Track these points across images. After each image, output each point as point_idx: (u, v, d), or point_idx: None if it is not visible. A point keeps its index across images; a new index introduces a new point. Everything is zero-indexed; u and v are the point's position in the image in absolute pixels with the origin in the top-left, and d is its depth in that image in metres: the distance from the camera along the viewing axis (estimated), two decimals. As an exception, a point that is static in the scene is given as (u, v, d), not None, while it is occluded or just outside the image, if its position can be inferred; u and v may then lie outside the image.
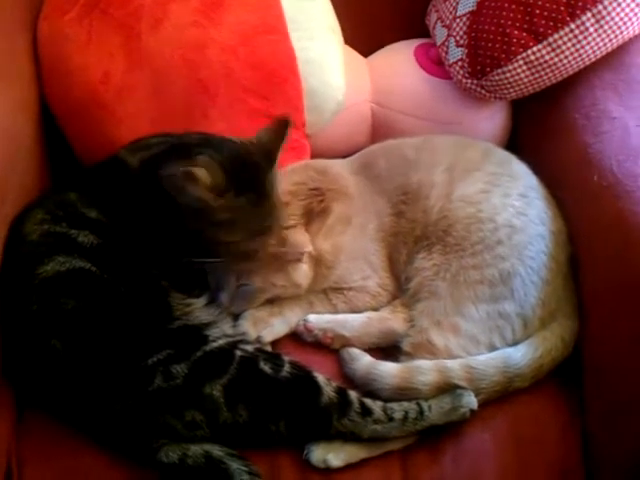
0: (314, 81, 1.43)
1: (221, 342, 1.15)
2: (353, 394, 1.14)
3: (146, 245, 1.19)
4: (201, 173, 1.11)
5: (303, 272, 1.26)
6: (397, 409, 1.14)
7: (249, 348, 1.15)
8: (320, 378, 1.13)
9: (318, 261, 1.27)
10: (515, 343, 1.22)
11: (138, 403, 1.09)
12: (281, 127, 1.23)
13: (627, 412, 1.12)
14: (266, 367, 1.12)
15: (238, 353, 1.13)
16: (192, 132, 1.28)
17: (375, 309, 1.30)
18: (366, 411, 1.12)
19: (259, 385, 1.11)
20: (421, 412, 1.14)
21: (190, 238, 1.16)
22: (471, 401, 1.15)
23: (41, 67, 1.40)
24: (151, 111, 1.37)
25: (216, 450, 1.10)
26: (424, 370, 1.18)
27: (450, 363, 1.18)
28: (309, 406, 1.11)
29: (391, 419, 1.13)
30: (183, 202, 1.14)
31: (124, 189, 1.21)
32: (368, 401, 1.14)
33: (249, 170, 1.19)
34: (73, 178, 1.31)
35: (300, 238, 1.25)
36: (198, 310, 1.22)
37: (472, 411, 1.15)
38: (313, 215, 1.29)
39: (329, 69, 1.45)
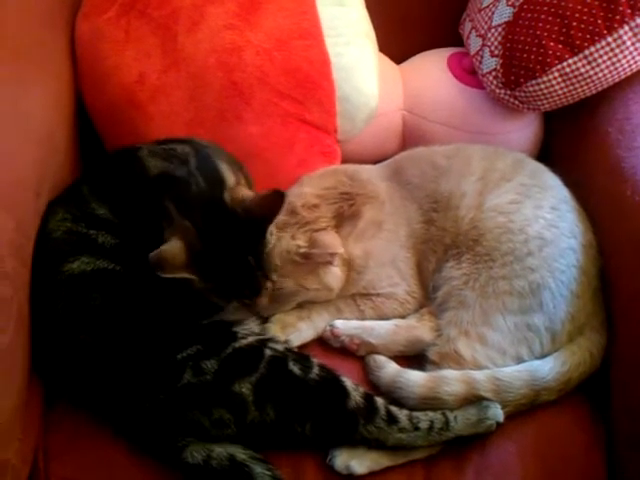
0: (348, 87, 1.42)
1: (250, 339, 1.15)
2: (380, 401, 1.14)
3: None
4: (170, 255, 1.10)
5: (335, 275, 1.26)
6: (423, 418, 1.14)
7: (279, 347, 1.16)
8: (348, 383, 1.14)
9: (349, 266, 1.28)
10: (542, 356, 1.22)
11: (167, 398, 1.10)
12: (277, 200, 1.14)
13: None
14: (295, 368, 1.12)
15: (268, 352, 1.13)
16: (203, 160, 1.23)
17: (402, 316, 1.30)
18: (392, 419, 1.13)
19: (288, 385, 1.11)
20: (447, 423, 1.14)
21: None
22: (497, 413, 1.15)
23: (78, 66, 1.41)
24: (185, 113, 1.38)
25: (240, 453, 1.11)
26: (450, 381, 1.17)
27: (477, 374, 1.18)
28: (336, 410, 1.11)
29: (417, 428, 1.13)
30: None
31: (138, 192, 1.21)
32: (394, 409, 1.14)
33: (225, 246, 1.14)
34: (88, 169, 1.33)
35: (330, 240, 1.25)
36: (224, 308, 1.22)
37: (498, 424, 1.15)
38: (343, 218, 1.29)
39: (363, 76, 1.45)
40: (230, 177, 1.21)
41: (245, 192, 1.19)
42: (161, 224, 1.16)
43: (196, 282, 1.13)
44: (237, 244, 1.14)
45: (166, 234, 1.14)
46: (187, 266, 1.11)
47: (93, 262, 1.15)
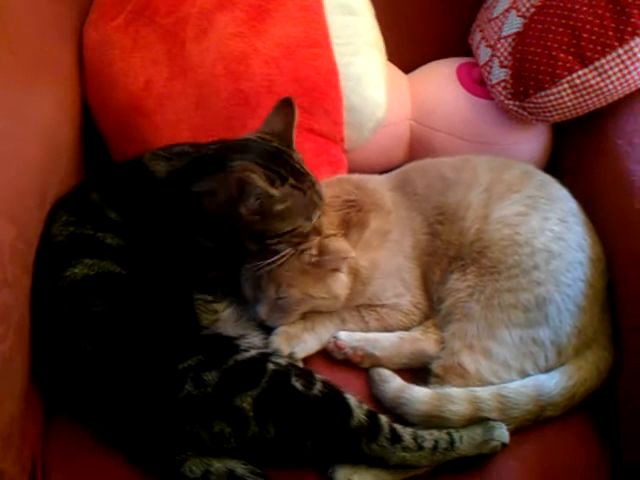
0: (355, 97, 1.42)
1: (253, 353, 1.14)
2: (384, 419, 1.12)
3: (169, 250, 1.20)
4: (254, 174, 1.12)
5: (342, 283, 1.25)
6: (428, 438, 1.12)
7: (282, 362, 1.14)
8: (352, 400, 1.12)
9: (355, 275, 1.27)
10: (548, 370, 1.20)
11: (167, 409, 1.09)
12: (287, 109, 1.25)
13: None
14: (298, 383, 1.11)
15: (270, 366, 1.12)
16: (208, 143, 1.27)
17: (407, 328, 1.28)
18: (396, 438, 1.11)
19: (290, 401, 1.10)
20: (452, 443, 1.12)
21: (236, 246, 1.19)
22: (503, 435, 1.14)
23: (85, 72, 1.42)
24: (191, 120, 1.38)
25: (240, 468, 1.09)
26: (455, 399, 1.16)
27: (481, 392, 1.16)
28: (338, 427, 1.10)
29: (421, 447, 1.11)
30: (231, 213, 1.15)
31: (147, 195, 1.22)
32: (399, 427, 1.12)
33: (278, 159, 1.20)
34: (94, 177, 1.32)
35: (341, 245, 1.24)
36: (225, 321, 1.22)
37: (503, 445, 1.14)
38: (350, 226, 1.29)
39: (371, 86, 1.44)
40: None
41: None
42: (171, 228, 1.18)
43: (277, 202, 1.15)
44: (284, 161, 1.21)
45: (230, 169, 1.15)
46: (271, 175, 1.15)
47: (97, 264, 1.14)
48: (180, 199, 1.19)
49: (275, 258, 1.18)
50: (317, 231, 1.23)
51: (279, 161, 1.19)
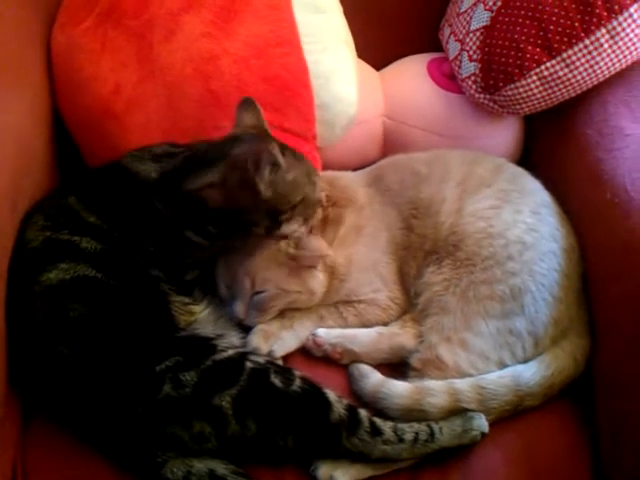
0: (326, 95, 1.42)
1: (230, 352, 1.14)
2: (363, 413, 1.13)
3: (149, 252, 1.19)
4: (267, 144, 1.16)
5: (318, 279, 1.26)
6: (408, 430, 1.13)
7: (260, 360, 1.14)
8: (331, 395, 1.12)
9: (331, 272, 1.27)
10: (525, 361, 1.21)
11: (146, 411, 1.08)
12: (252, 106, 1.29)
13: (639, 432, 1.10)
14: (277, 380, 1.11)
15: (248, 364, 1.12)
16: (195, 142, 1.28)
17: (385, 323, 1.29)
18: (376, 431, 1.11)
19: (269, 398, 1.10)
20: (432, 434, 1.13)
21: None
22: (482, 424, 1.14)
23: (54, 76, 1.40)
24: (162, 122, 1.37)
25: (221, 468, 1.09)
26: (434, 392, 1.16)
27: (460, 384, 1.17)
28: (318, 422, 1.10)
29: (401, 440, 1.12)
30: (243, 198, 1.17)
31: (127, 195, 1.21)
32: (378, 421, 1.13)
33: (265, 138, 1.24)
34: (71, 182, 1.31)
35: (318, 243, 1.25)
36: (203, 322, 1.22)
37: (483, 434, 1.14)
38: (327, 222, 1.29)
39: (341, 83, 1.44)
40: None
41: None
42: (156, 228, 1.19)
43: (287, 171, 1.19)
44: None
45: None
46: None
47: (73, 268, 1.13)
48: (176, 198, 1.19)
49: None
50: (320, 202, 1.27)
51: (272, 140, 1.22)
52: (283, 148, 1.21)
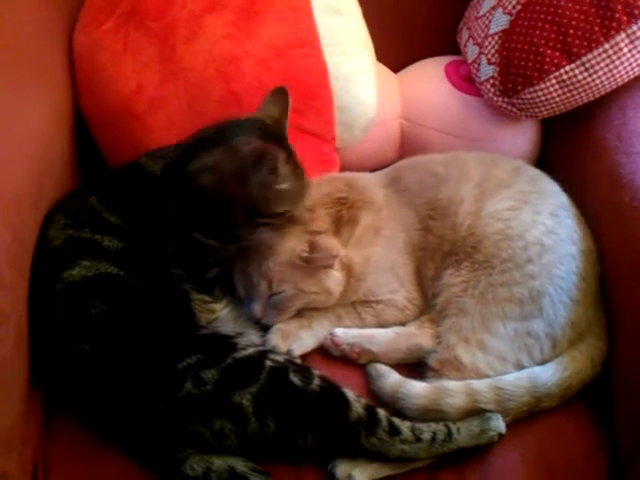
0: (346, 96, 1.43)
1: (250, 351, 1.15)
2: (382, 412, 1.13)
3: (169, 251, 1.21)
4: (275, 148, 1.15)
5: (335, 279, 1.26)
6: (425, 430, 1.13)
7: (279, 358, 1.15)
8: (350, 394, 1.13)
9: (348, 272, 1.27)
10: (543, 362, 1.21)
11: (168, 408, 1.09)
12: (282, 97, 1.28)
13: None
14: (296, 379, 1.11)
15: (268, 363, 1.12)
16: (202, 129, 1.28)
17: (403, 323, 1.29)
18: (394, 430, 1.12)
19: (288, 397, 1.10)
20: (449, 434, 1.13)
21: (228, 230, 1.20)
22: (499, 425, 1.15)
23: (76, 77, 1.42)
24: (183, 123, 1.38)
25: (240, 465, 1.10)
26: (452, 392, 1.17)
27: (478, 385, 1.17)
28: (337, 421, 1.11)
29: (419, 440, 1.12)
30: (232, 187, 1.16)
31: (144, 194, 1.23)
32: (397, 420, 1.13)
33: (280, 141, 1.22)
34: (92, 182, 1.33)
35: (330, 243, 1.25)
36: (223, 320, 1.23)
37: (500, 435, 1.15)
38: (342, 223, 1.30)
39: (361, 85, 1.45)
40: None
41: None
42: (174, 224, 1.19)
43: (282, 180, 1.18)
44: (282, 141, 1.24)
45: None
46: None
47: (95, 266, 1.15)
48: (177, 189, 1.20)
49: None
50: (297, 220, 1.24)
51: (282, 144, 1.21)
52: (290, 155, 1.21)
